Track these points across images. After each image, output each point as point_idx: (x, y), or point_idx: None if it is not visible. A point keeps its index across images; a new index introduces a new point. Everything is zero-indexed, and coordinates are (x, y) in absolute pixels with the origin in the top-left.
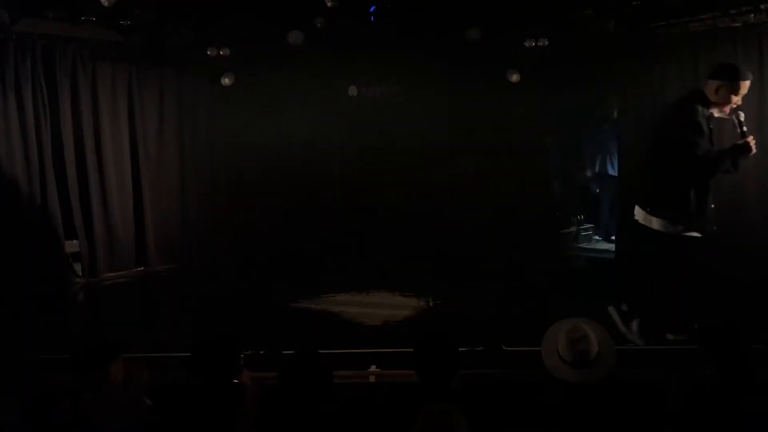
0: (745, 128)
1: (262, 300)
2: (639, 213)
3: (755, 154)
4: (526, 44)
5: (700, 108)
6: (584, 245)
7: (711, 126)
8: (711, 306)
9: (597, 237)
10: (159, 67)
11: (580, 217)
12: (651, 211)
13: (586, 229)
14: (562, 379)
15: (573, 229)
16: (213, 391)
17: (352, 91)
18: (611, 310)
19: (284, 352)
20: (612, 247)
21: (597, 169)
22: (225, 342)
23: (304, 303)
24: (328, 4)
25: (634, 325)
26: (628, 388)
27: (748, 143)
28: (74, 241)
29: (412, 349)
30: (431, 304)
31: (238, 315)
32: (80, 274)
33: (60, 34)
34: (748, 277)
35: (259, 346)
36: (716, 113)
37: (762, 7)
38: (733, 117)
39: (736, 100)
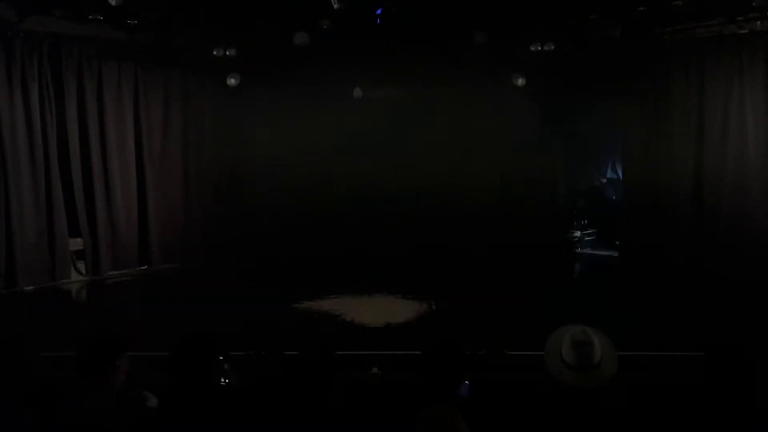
0: None
1: (264, 300)
2: None
3: (761, 157)
4: (532, 48)
5: None
6: (588, 250)
7: None
8: (719, 314)
9: (600, 241)
10: (165, 66)
11: (584, 221)
12: None
13: (589, 234)
14: (564, 382)
15: (577, 233)
16: (191, 391)
17: (357, 92)
18: None
19: (285, 353)
20: (615, 252)
21: (608, 174)
22: (203, 343)
23: (306, 304)
24: (335, 6)
25: None
26: (629, 392)
27: None
28: (78, 239)
29: (419, 352)
30: (433, 307)
31: (239, 315)
32: (84, 272)
33: (66, 32)
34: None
35: (260, 347)
36: None
37: None
38: None
39: None
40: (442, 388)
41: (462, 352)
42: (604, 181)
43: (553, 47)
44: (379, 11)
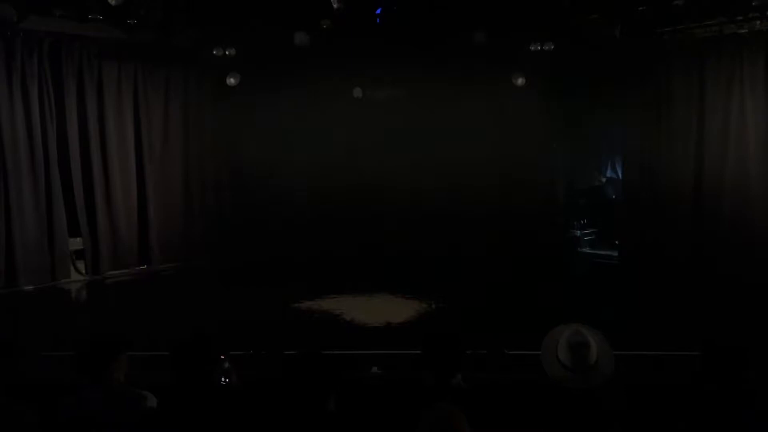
0: None
1: (264, 300)
2: None
3: (761, 157)
4: (532, 48)
5: None
6: (588, 249)
7: None
8: (719, 313)
9: (600, 241)
10: (165, 66)
11: (584, 221)
12: None
13: (589, 234)
14: (561, 383)
15: (577, 233)
16: (192, 391)
17: (357, 92)
18: None
19: (285, 352)
20: (615, 252)
21: (608, 174)
22: (203, 342)
23: (306, 304)
24: (335, 6)
25: None
26: (629, 392)
27: None
28: (78, 238)
29: (416, 350)
30: (434, 306)
31: (240, 314)
32: (83, 271)
33: (67, 32)
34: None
35: (260, 347)
36: None
37: None
38: None
39: None
40: (440, 383)
41: (459, 345)
42: (604, 180)
43: (553, 47)
44: (379, 11)
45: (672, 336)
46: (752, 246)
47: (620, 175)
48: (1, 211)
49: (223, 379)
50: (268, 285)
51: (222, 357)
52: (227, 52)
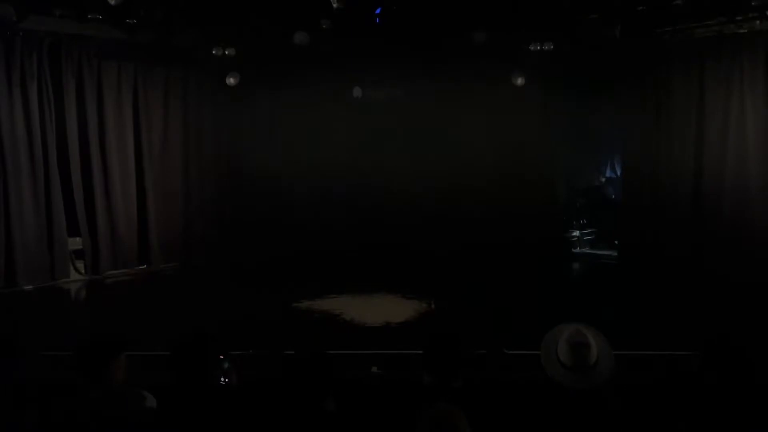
0: None
1: (264, 300)
2: None
3: (761, 157)
4: (532, 48)
5: None
6: (587, 249)
7: None
8: (719, 313)
9: (600, 241)
10: (164, 66)
11: (583, 221)
12: None
13: (589, 233)
14: (560, 383)
15: (576, 233)
16: (192, 391)
17: (357, 92)
18: None
19: (285, 352)
20: (615, 252)
21: (607, 174)
22: (203, 342)
23: (306, 303)
24: (334, 6)
25: None
26: (629, 392)
27: None
28: (77, 238)
29: (416, 350)
30: (433, 306)
31: (240, 314)
32: (83, 271)
33: (66, 31)
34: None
35: (260, 346)
36: None
37: None
38: None
39: None
40: (440, 383)
41: (459, 346)
42: (604, 180)
43: (552, 47)
44: (378, 11)
45: (672, 336)
46: (752, 246)
47: (620, 175)
48: (0, 211)
49: (222, 379)
50: (268, 285)
51: (222, 357)
52: (227, 52)
